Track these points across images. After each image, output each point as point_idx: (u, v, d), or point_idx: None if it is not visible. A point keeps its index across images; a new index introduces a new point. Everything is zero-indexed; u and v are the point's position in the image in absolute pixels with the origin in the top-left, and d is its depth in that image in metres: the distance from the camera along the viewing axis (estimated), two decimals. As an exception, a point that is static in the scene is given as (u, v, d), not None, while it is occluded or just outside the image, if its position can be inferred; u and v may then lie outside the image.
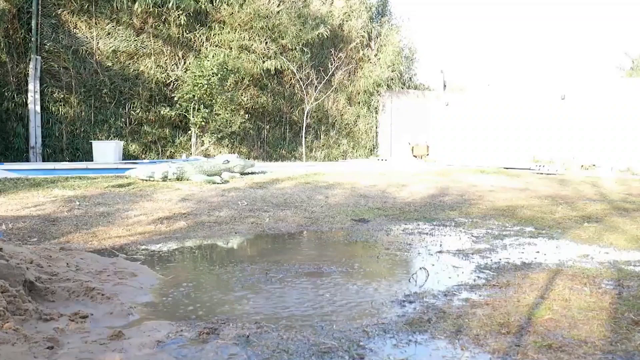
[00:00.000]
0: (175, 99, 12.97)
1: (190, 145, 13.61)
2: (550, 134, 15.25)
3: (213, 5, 14.08)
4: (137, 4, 12.56)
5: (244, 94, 14.76)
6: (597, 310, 2.76)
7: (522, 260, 3.99)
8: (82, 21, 12.50)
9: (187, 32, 13.75)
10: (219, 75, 12.78)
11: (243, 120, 14.42)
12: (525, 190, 8.66)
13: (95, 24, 12.64)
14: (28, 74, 11.85)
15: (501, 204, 7.16)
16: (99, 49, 12.69)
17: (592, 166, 14.10)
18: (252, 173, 10.21)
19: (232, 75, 13.55)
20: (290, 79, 15.81)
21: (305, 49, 15.28)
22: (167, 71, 13.52)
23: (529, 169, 13.15)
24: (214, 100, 13.12)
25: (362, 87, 16.96)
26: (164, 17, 13.27)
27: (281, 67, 14.93)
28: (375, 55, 17.36)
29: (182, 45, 13.78)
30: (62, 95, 12.35)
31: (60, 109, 12.34)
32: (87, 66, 12.60)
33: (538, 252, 4.29)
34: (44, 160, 11.89)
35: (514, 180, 10.31)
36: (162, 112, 13.29)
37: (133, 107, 13.15)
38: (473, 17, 47.71)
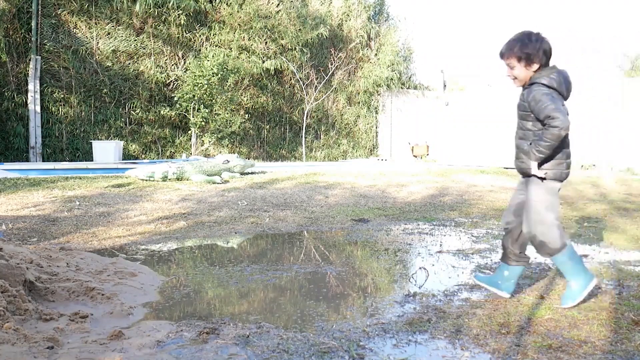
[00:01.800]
0: (175, 99, 12.97)
1: (190, 145, 13.61)
2: (550, 134, 15.23)
3: (212, 5, 14.09)
4: (137, 4, 12.56)
5: (244, 94, 14.77)
6: (597, 310, 2.76)
7: (522, 260, 3.99)
8: (82, 21, 12.50)
9: (187, 32, 13.75)
10: (219, 75, 12.78)
11: (243, 120, 14.42)
12: (525, 190, 8.65)
13: (95, 24, 12.65)
14: (28, 74, 11.85)
15: (501, 204, 7.16)
16: (99, 49, 12.69)
17: (592, 166, 14.10)
18: (252, 173, 10.22)
19: (232, 75, 13.55)
20: (290, 79, 15.82)
21: (305, 49, 15.29)
22: (167, 71, 13.53)
23: (529, 169, 13.12)
24: (214, 100, 13.12)
25: (362, 87, 16.97)
26: (163, 17, 13.27)
27: (281, 67, 14.93)
28: (375, 55, 17.36)
29: (182, 45, 13.79)
30: (62, 95, 12.35)
31: (60, 109, 12.34)
32: (87, 66, 12.61)
33: (538, 252, 4.29)
34: (44, 160, 11.90)
35: (514, 180, 10.31)
36: (162, 112, 13.30)
37: (133, 107, 13.15)
38: (473, 17, 47.74)
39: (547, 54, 2.72)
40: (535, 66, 2.72)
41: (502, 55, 2.81)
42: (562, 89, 2.69)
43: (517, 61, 2.73)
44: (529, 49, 2.70)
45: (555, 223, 2.76)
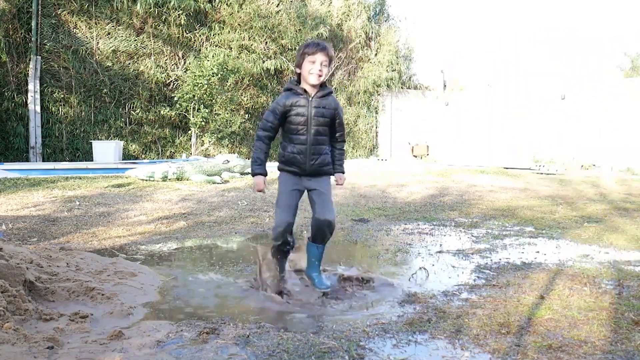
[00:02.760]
0: (175, 99, 12.97)
1: (190, 145, 13.61)
2: (550, 134, 15.25)
3: (212, 5, 14.09)
4: (137, 4, 12.56)
5: (244, 94, 14.76)
6: (597, 310, 2.76)
7: (522, 260, 3.99)
8: (82, 21, 12.50)
9: (187, 32, 13.75)
10: (219, 75, 12.78)
11: (243, 120, 14.42)
12: (525, 190, 8.66)
13: (95, 24, 12.65)
14: (28, 74, 11.85)
15: (501, 204, 7.16)
16: (99, 49, 12.69)
17: (592, 166, 14.10)
18: (252, 173, 10.20)
19: (232, 75, 13.55)
20: (290, 79, 15.82)
21: (305, 49, 15.27)
22: (167, 71, 13.52)
23: (529, 169, 13.16)
24: (214, 100, 13.12)
25: (362, 87, 16.96)
26: (164, 17, 13.27)
27: (281, 67, 14.93)
28: (375, 55, 17.35)
29: (182, 45, 13.78)
30: (62, 95, 12.35)
31: (60, 109, 12.34)
32: (87, 66, 12.61)
33: (538, 252, 4.29)
34: (44, 160, 11.90)
35: (514, 180, 10.32)
36: (162, 112, 13.29)
37: (133, 107, 13.15)
38: (473, 16, 47.76)
39: None
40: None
41: (320, 51, 2.94)
42: None
43: (328, 63, 2.97)
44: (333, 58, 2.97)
45: None
